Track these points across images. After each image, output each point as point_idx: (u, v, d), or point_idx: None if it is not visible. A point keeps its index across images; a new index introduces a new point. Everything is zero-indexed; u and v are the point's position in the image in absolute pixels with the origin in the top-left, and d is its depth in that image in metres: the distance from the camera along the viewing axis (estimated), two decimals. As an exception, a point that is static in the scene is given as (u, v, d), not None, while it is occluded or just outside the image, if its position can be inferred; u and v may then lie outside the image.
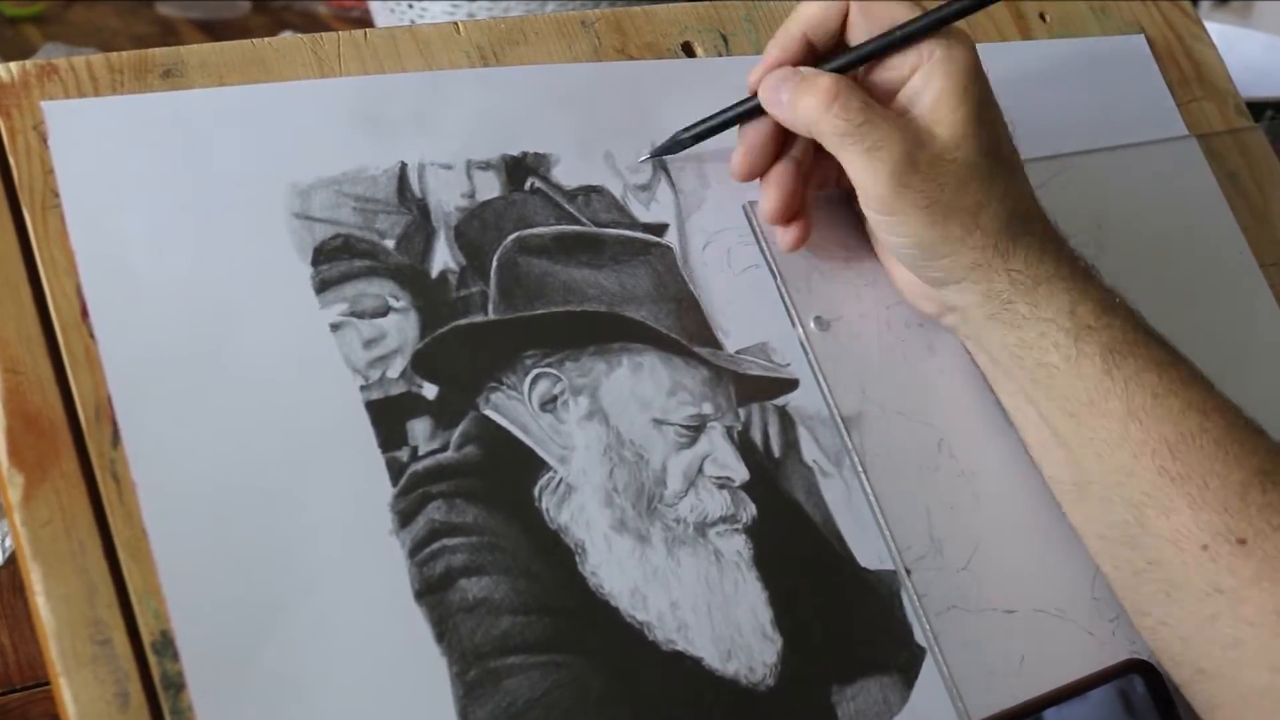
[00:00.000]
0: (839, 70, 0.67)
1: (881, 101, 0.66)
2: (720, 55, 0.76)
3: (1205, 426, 0.63)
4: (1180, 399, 0.63)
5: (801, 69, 0.67)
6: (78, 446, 0.55)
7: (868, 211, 0.66)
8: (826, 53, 0.68)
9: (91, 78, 0.61)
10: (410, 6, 1.10)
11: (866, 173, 0.64)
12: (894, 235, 0.66)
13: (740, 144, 0.69)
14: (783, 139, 0.69)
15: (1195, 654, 0.62)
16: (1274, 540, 0.60)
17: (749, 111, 0.69)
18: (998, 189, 0.65)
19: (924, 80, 0.65)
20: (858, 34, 0.67)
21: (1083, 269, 0.67)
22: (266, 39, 0.65)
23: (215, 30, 1.39)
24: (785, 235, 0.69)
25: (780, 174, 0.69)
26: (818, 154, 0.69)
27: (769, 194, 0.69)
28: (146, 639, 0.53)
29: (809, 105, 0.65)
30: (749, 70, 0.69)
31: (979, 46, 0.67)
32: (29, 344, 0.56)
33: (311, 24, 1.43)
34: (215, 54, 0.64)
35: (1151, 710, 0.66)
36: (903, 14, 0.66)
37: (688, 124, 0.70)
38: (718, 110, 0.70)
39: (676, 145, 0.70)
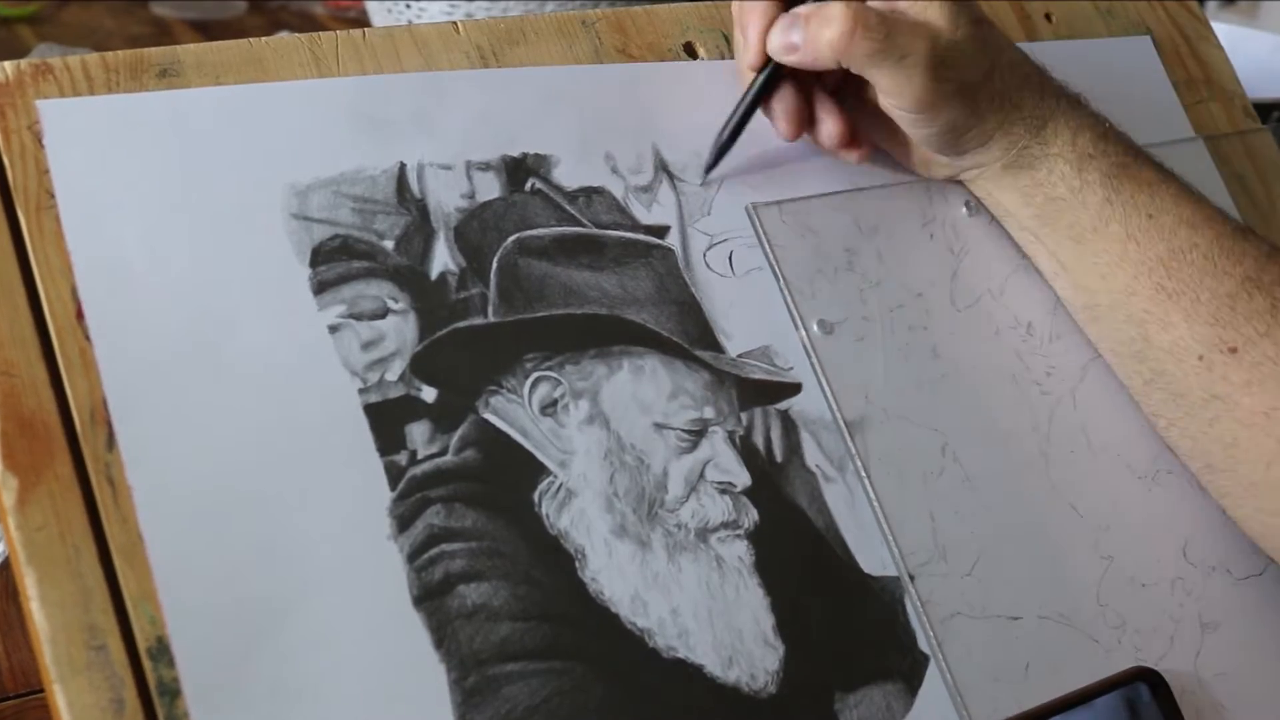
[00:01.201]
0: None
1: None
2: (722, 56, 0.76)
3: (1195, 241, 0.68)
4: (1171, 216, 0.69)
5: (795, 10, 0.70)
6: (72, 450, 0.55)
7: (901, 113, 0.70)
8: None
9: (87, 77, 0.61)
10: (408, 6, 1.10)
11: (902, 80, 0.68)
12: (929, 127, 0.70)
13: (777, 117, 0.72)
14: (806, 85, 0.72)
15: (1202, 452, 0.70)
16: (1261, 347, 0.66)
17: (767, 83, 0.71)
18: (995, 47, 0.70)
19: None
20: None
21: (1071, 98, 0.72)
22: (264, 38, 0.65)
23: (210, 30, 1.39)
24: (852, 155, 0.73)
25: (828, 107, 0.72)
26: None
27: (829, 125, 0.72)
28: (142, 645, 0.53)
29: (830, 38, 0.68)
30: (739, 52, 0.72)
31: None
32: (23, 346, 0.56)
33: (308, 24, 1.43)
34: (212, 53, 0.64)
35: (1158, 718, 0.66)
36: None
37: (719, 129, 0.71)
38: (737, 101, 0.72)
39: (721, 152, 0.71)
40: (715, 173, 0.71)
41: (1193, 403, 0.69)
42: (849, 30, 0.67)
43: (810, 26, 0.68)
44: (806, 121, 0.72)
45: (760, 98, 0.71)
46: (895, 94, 0.69)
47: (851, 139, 0.72)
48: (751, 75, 0.71)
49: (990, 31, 0.70)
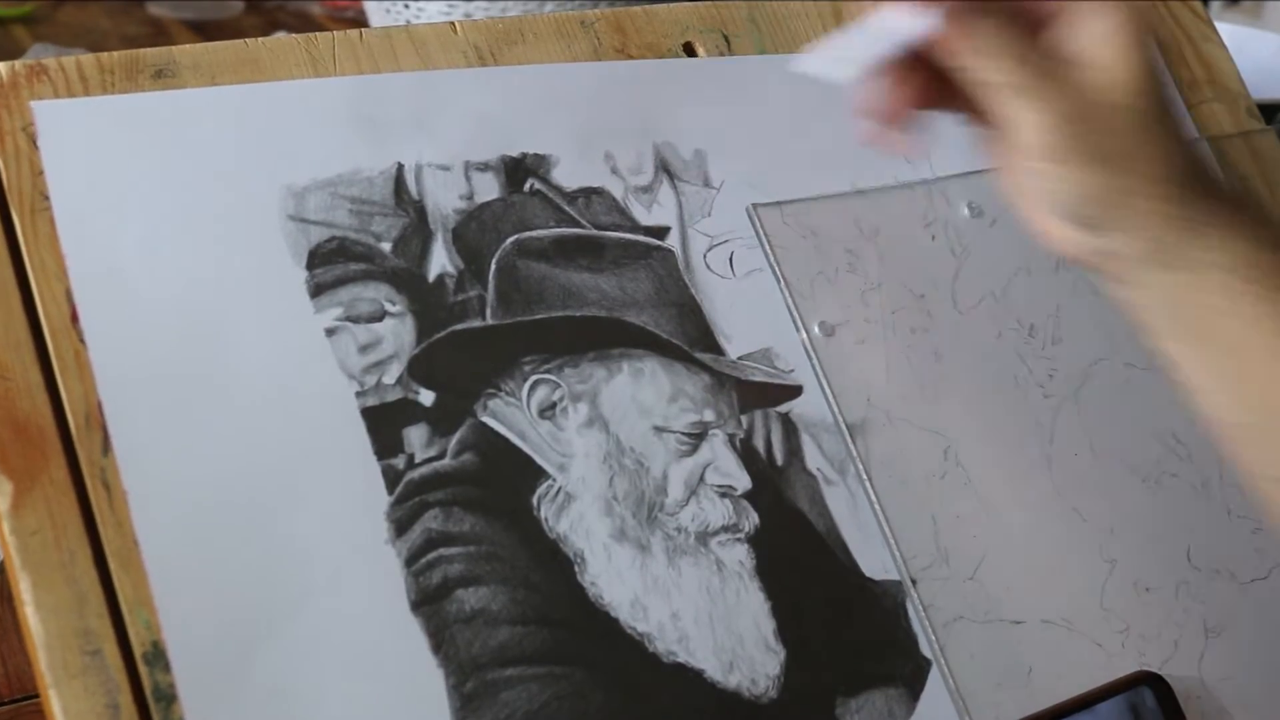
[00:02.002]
0: None
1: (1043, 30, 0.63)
2: (722, 55, 0.76)
3: None
4: None
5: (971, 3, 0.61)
6: (67, 454, 0.55)
7: (1029, 163, 0.63)
8: None
9: (82, 78, 0.61)
10: (406, 6, 1.10)
11: (1033, 120, 0.61)
12: (1061, 184, 0.63)
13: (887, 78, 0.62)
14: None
15: None
16: None
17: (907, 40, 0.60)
18: (1175, 135, 0.64)
19: (1097, 15, 0.62)
20: None
21: (1252, 213, 0.66)
22: (260, 39, 0.65)
23: (207, 31, 1.39)
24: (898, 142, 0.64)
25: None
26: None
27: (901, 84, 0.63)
28: (137, 650, 0.53)
29: (975, 50, 0.61)
30: None
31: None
32: (18, 349, 0.56)
33: (305, 24, 1.43)
34: (208, 54, 0.64)
35: None
36: None
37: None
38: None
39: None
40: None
41: None
42: (993, 50, 0.60)
43: (961, 32, 0.61)
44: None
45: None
46: (1020, 128, 0.61)
47: (900, 116, 0.63)
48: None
49: (1175, 114, 0.64)
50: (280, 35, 0.73)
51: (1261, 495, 0.65)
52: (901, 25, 0.60)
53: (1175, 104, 0.65)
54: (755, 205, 0.71)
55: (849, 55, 0.61)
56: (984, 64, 0.61)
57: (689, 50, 0.76)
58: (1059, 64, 0.62)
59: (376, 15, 1.15)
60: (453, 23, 0.71)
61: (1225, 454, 0.65)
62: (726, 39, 0.77)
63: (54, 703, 0.52)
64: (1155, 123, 0.63)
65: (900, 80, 0.63)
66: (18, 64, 0.60)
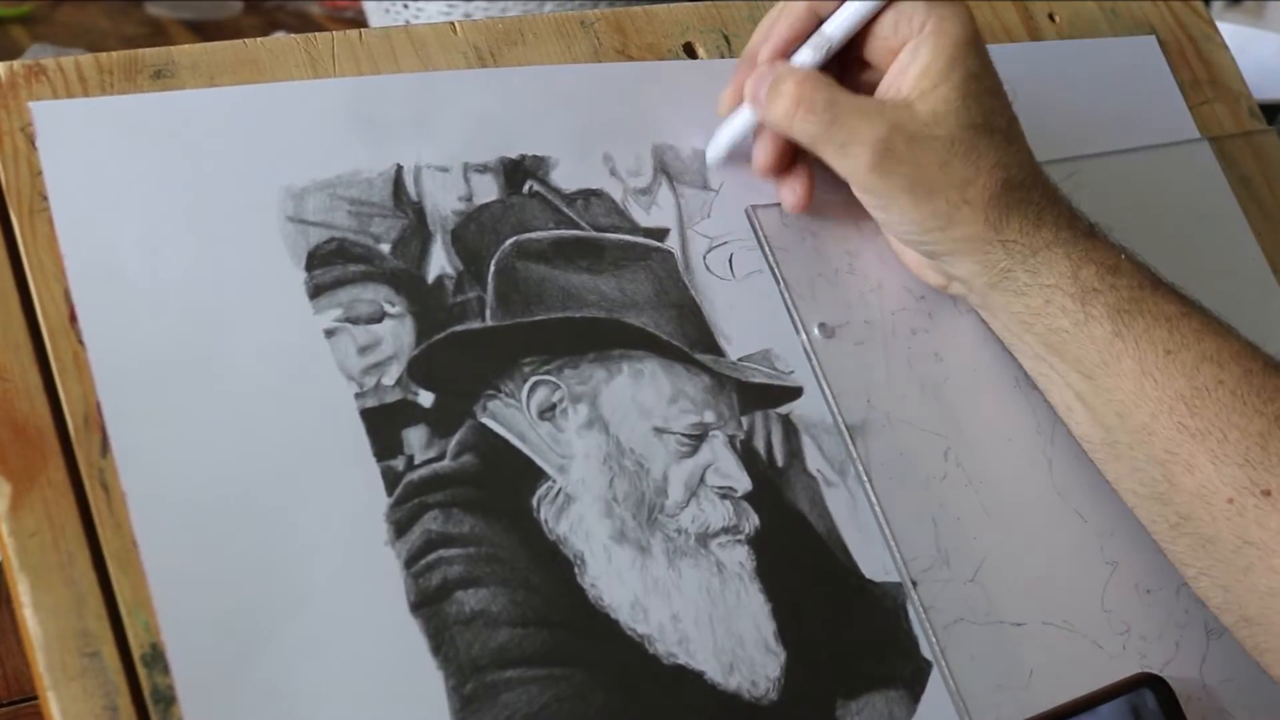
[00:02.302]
0: (818, 57, 0.68)
1: (878, 70, 0.68)
2: (723, 56, 0.76)
3: (1221, 378, 0.64)
4: (1193, 352, 0.64)
5: (775, 65, 0.68)
6: (66, 455, 0.55)
7: (857, 194, 0.68)
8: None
9: (80, 78, 0.61)
10: (405, 6, 1.10)
11: (844, 166, 0.67)
12: (885, 215, 0.68)
13: (756, 153, 0.71)
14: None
15: (1237, 602, 0.64)
16: None
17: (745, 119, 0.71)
18: (986, 161, 0.66)
19: (911, 54, 0.67)
20: (875, 42, 0.69)
21: (1084, 230, 0.68)
22: (259, 39, 0.66)
23: (206, 31, 1.39)
24: (784, 191, 0.71)
25: (802, 168, 0.71)
26: None
27: (761, 152, 0.71)
28: (136, 651, 0.53)
29: (777, 111, 0.67)
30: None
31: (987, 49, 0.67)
32: (16, 350, 0.56)
33: (304, 24, 1.43)
34: (207, 54, 0.64)
35: None
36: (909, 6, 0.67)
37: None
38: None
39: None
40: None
41: (1224, 550, 0.63)
42: (789, 109, 0.66)
43: (769, 92, 0.67)
44: (781, 168, 0.71)
45: (744, 131, 0.71)
46: (842, 174, 0.68)
47: (807, 201, 0.71)
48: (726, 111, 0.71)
49: (998, 144, 0.67)
50: (279, 35, 0.73)
51: (1129, 507, 0.68)
52: (741, 117, 0.70)
53: (1001, 127, 0.67)
54: (754, 206, 0.71)
55: (720, 141, 0.71)
56: (796, 123, 0.67)
57: (689, 51, 0.76)
58: (871, 105, 0.67)
59: (376, 15, 1.15)
60: (452, 23, 0.71)
61: (1094, 466, 0.69)
62: (727, 39, 0.77)
63: (52, 705, 0.52)
64: (961, 150, 0.66)
65: (768, 150, 0.70)
66: (16, 64, 0.60)
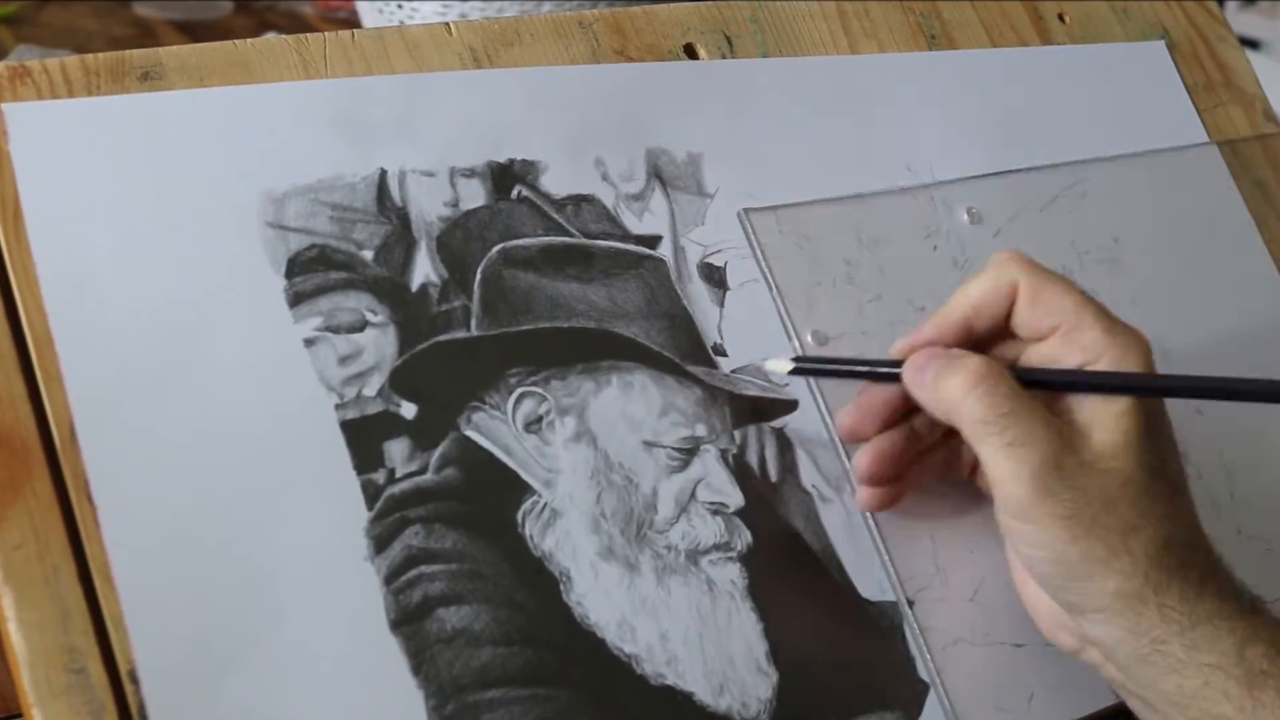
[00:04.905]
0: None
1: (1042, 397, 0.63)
2: (724, 57, 0.76)
3: None
4: None
5: (952, 350, 0.63)
6: (51, 466, 0.55)
7: (1002, 517, 0.62)
8: (986, 338, 0.65)
9: (66, 80, 0.61)
10: (400, 7, 1.10)
11: (1005, 469, 0.61)
12: (1029, 547, 0.62)
13: (857, 401, 0.66)
14: (905, 410, 0.66)
15: None
16: None
17: (884, 375, 0.65)
18: (1156, 510, 0.61)
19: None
20: (1022, 320, 0.64)
21: (1250, 604, 0.62)
22: (249, 40, 0.66)
23: (196, 32, 1.40)
24: (867, 494, 0.67)
25: (891, 439, 0.66)
26: (952, 440, 0.67)
27: (868, 450, 0.66)
28: (123, 668, 0.53)
29: (953, 386, 0.62)
30: (900, 338, 0.65)
31: (991, 50, 0.67)
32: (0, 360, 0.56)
33: (296, 25, 1.44)
34: (196, 56, 0.64)
35: None
36: (1070, 304, 0.63)
37: (824, 356, 0.69)
38: (856, 360, 0.68)
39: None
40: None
41: None
42: (969, 385, 0.61)
43: (944, 367, 0.62)
44: (867, 436, 0.66)
45: (870, 378, 0.66)
46: (994, 481, 0.61)
47: (883, 480, 0.66)
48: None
49: (1166, 494, 0.62)
50: (270, 36, 0.73)
51: None
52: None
53: (1171, 476, 0.63)
54: (747, 210, 0.71)
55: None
56: (971, 401, 0.61)
57: (690, 52, 0.76)
58: (1049, 414, 0.61)
59: (369, 15, 1.15)
60: (447, 23, 0.71)
61: None
62: (729, 40, 0.77)
63: (37, 721, 0.52)
64: (1132, 492, 0.61)
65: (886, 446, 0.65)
66: (0, 65, 0.61)
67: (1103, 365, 0.62)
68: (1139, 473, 0.61)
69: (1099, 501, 0.60)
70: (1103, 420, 0.61)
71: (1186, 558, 0.61)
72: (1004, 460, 0.61)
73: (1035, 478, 0.60)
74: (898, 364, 0.64)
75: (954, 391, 0.62)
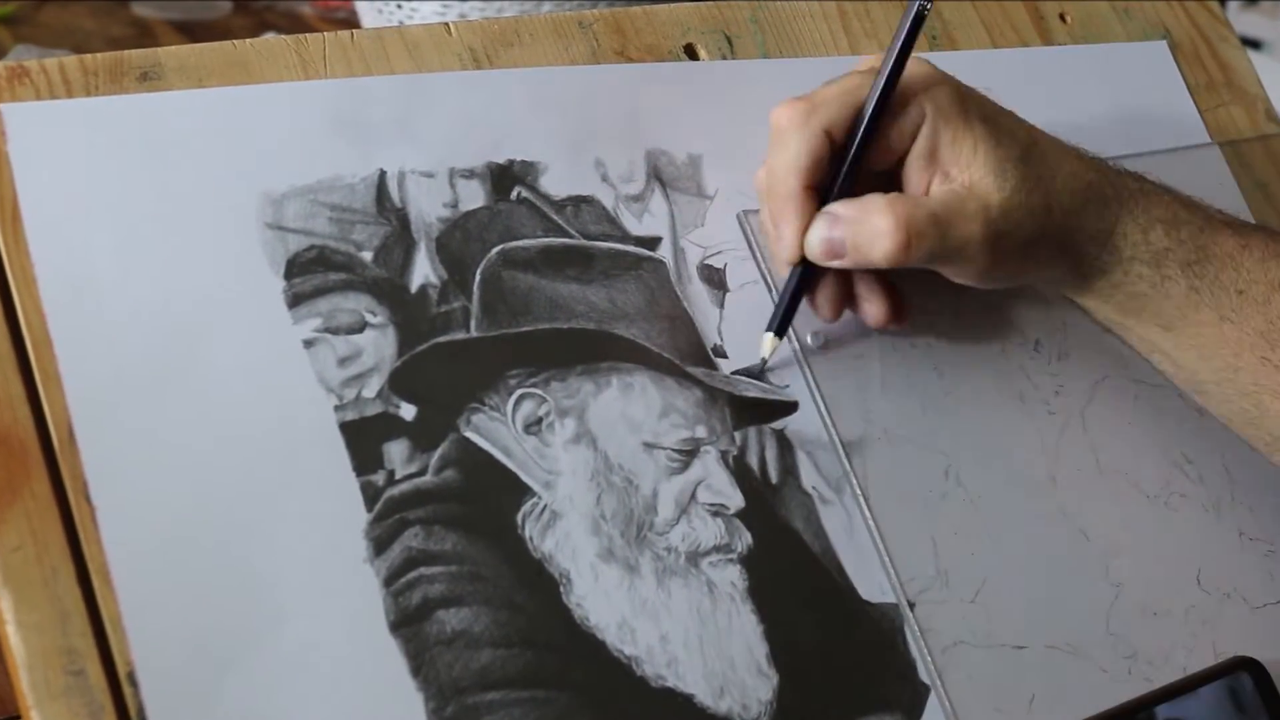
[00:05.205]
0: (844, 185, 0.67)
1: (896, 156, 0.68)
2: (724, 58, 0.76)
3: None
4: (1261, 285, 0.69)
5: (833, 210, 0.67)
6: (50, 467, 0.55)
7: (969, 284, 0.70)
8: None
9: (64, 80, 0.61)
10: (399, 7, 1.10)
11: (963, 269, 0.68)
12: (999, 283, 0.71)
13: (819, 306, 0.69)
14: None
15: None
16: None
17: (806, 276, 0.68)
18: (1044, 177, 0.68)
19: (930, 139, 0.67)
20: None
21: (1133, 190, 0.70)
22: (249, 40, 0.66)
23: (194, 32, 1.40)
24: (873, 308, 0.70)
25: (874, 286, 0.70)
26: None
27: (872, 308, 0.70)
28: (122, 670, 0.54)
29: (885, 251, 0.66)
30: (774, 244, 0.69)
31: (994, 52, 0.68)
32: (-1, 360, 0.56)
33: (295, 25, 1.44)
34: (195, 56, 0.64)
35: (1260, 708, 0.67)
36: (860, 81, 0.68)
37: (765, 322, 0.69)
38: (779, 295, 0.69)
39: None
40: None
41: None
42: (903, 243, 0.65)
43: (858, 238, 0.66)
44: (848, 300, 0.70)
45: (801, 292, 0.68)
46: (959, 276, 0.69)
47: (897, 314, 0.70)
48: (788, 268, 0.69)
49: (1037, 159, 0.68)
50: (270, 36, 0.73)
51: (1238, 434, 0.73)
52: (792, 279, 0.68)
53: (1028, 139, 0.69)
54: (745, 211, 0.71)
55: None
56: (913, 253, 0.66)
57: (690, 52, 0.76)
58: (952, 200, 0.67)
59: (369, 16, 1.15)
60: (447, 24, 0.71)
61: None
62: (729, 40, 0.77)
63: (36, 724, 0.52)
64: (1034, 190, 0.67)
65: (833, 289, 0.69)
66: (-1, 65, 0.61)
67: (927, 118, 0.67)
68: (1019, 166, 0.67)
69: (1026, 221, 0.67)
70: (970, 162, 0.67)
71: (1088, 181, 0.69)
72: (959, 265, 0.68)
73: (987, 252, 0.67)
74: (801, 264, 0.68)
75: (893, 252, 0.66)
